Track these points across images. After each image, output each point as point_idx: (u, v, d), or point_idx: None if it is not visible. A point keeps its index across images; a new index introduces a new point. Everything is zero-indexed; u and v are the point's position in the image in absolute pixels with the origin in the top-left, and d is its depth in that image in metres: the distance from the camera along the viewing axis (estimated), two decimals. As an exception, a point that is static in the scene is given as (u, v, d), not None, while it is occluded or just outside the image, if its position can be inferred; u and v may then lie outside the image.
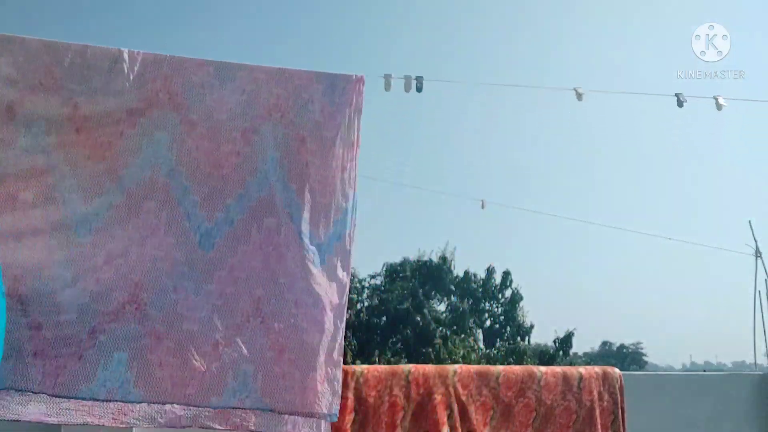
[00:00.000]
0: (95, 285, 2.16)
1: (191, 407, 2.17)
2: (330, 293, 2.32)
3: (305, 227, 2.36)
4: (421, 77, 2.97)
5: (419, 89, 2.96)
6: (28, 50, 2.32)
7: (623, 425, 2.95)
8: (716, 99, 3.29)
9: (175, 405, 2.16)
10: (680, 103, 3.24)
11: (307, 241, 2.35)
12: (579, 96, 3.20)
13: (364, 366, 2.73)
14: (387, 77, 2.93)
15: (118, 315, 2.15)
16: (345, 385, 2.52)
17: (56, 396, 2.05)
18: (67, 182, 2.22)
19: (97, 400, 2.07)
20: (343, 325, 2.35)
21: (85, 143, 2.28)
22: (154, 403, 2.13)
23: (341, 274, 2.37)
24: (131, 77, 2.37)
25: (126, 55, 2.39)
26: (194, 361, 2.16)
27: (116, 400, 2.08)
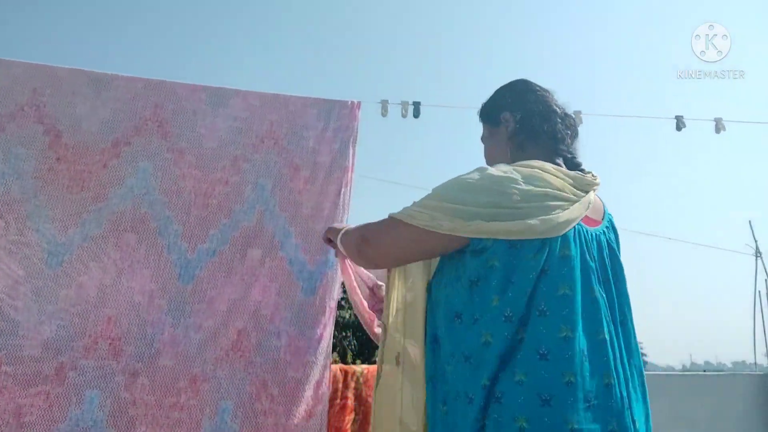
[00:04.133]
0: (63, 319, 2.05)
1: None
2: (316, 323, 2.22)
3: (296, 256, 2.30)
4: (419, 102, 2.97)
5: (416, 115, 2.95)
6: (12, 74, 2.29)
7: (623, 425, 2.94)
8: (716, 121, 3.28)
9: None
10: (679, 127, 3.23)
11: (296, 270, 2.28)
12: (577, 121, 3.18)
13: (364, 366, 2.71)
14: (384, 103, 2.92)
15: (89, 351, 2.04)
16: (345, 385, 2.53)
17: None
18: (43, 212, 2.16)
19: (68, 441, 1.91)
20: (329, 357, 2.23)
21: (66, 173, 2.22)
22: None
23: (329, 302, 2.28)
24: (120, 105, 2.35)
25: (116, 81, 2.37)
26: (170, 398, 2.04)
27: (88, 441, 1.93)
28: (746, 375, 3.96)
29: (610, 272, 1.38)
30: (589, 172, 1.48)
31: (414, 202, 1.42)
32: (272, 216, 2.34)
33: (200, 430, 2.05)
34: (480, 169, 1.38)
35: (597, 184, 1.44)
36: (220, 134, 2.40)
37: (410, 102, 2.96)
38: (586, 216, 1.37)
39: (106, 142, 2.29)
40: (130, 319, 2.11)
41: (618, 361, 1.28)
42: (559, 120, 1.53)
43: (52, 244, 2.14)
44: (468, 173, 1.38)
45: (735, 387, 3.64)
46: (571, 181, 1.37)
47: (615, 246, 1.45)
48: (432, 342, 1.44)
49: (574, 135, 1.56)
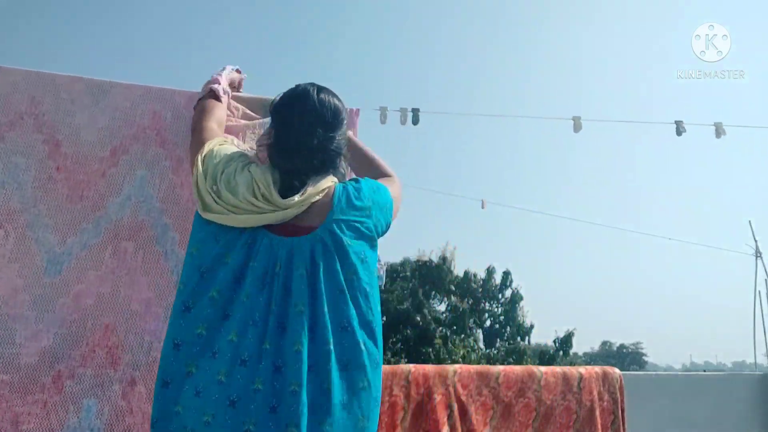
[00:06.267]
0: (61, 327, 2.07)
1: None
2: None
3: None
4: (417, 109, 2.94)
5: (415, 122, 2.93)
6: (11, 82, 2.30)
7: (623, 425, 2.97)
8: (716, 126, 3.22)
9: None
10: (679, 132, 3.17)
11: None
12: (577, 127, 3.13)
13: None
14: (383, 109, 2.90)
15: (86, 360, 2.06)
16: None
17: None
18: (42, 221, 2.17)
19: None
20: None
21: (65, 183, 2.24)
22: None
23: None
24: (118, 113, 2.35)
25: (114, 89, 2.38)
26: None
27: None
28: (746, 375, 3.93)
29: (317, 282, 1.40)
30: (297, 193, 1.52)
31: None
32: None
33: (196, 439, 2.06)
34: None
35: (297, 205, 1.48)
36: None
37: (409, 109, 2.94)
38: (286, 224, 1.48)
39: (104, 150, 2.30)
40: (128, 327, 2.13)
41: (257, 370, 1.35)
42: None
43: (51, 253, 2.16)
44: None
45: (735, 387, 3.66)
46: (262, 190, 1.51)
47: (333, 250, 1.44)
48: None
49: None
